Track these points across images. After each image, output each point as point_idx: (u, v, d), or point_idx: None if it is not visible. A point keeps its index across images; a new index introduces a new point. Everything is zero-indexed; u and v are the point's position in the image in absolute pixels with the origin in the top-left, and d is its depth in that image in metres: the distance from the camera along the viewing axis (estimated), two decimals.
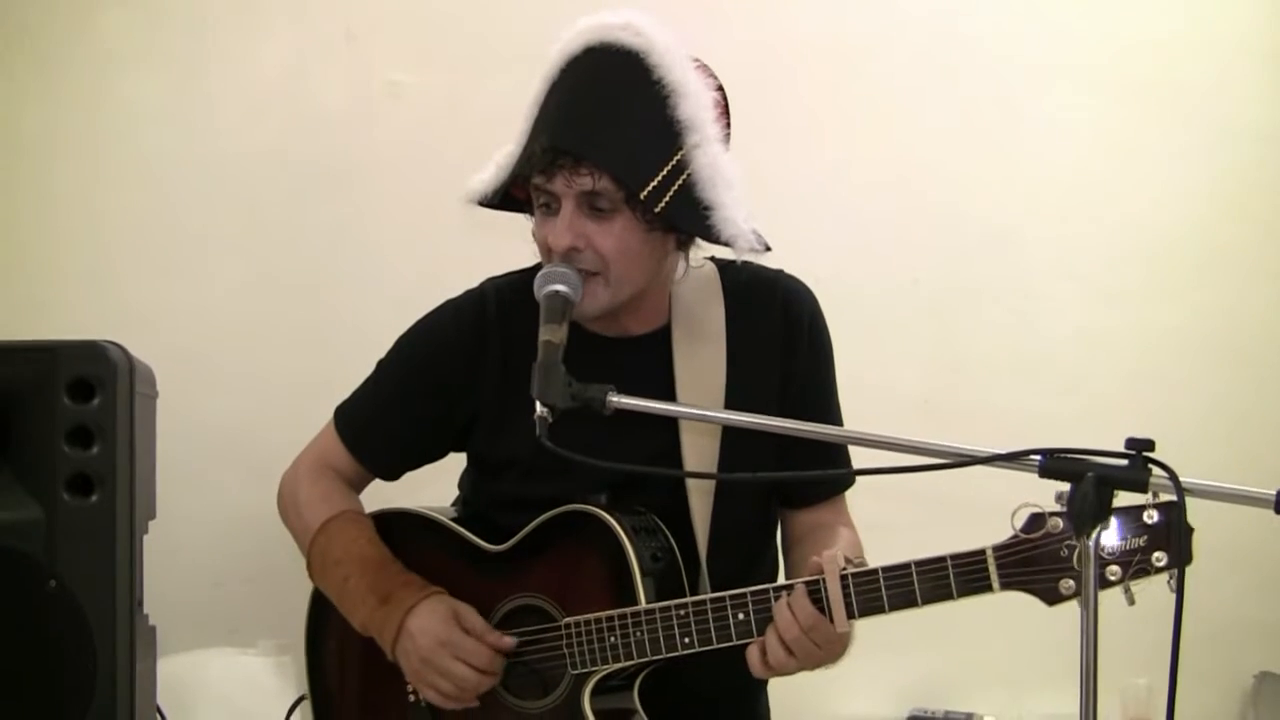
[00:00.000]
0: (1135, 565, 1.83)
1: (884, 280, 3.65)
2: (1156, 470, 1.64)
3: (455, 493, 2.58)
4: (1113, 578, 1.83)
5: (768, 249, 2.14)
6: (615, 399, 1.93)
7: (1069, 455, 1.67)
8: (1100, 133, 3.73)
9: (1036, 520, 1.91)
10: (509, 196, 2.24)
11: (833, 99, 3.68)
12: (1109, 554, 1.83)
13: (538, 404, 1.93)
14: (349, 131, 3.57)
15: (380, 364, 2.45)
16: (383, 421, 2.43)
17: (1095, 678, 1.64)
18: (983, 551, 1.94)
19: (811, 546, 2.29)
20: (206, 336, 3.46)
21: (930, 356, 3.67)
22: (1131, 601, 1.83)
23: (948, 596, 1.97)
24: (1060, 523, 1.88)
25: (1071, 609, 1.92)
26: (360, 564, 2.31)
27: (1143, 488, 1.64)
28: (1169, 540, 1.80)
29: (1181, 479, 1.62)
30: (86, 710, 2.09)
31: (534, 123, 2.15)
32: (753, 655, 2.07)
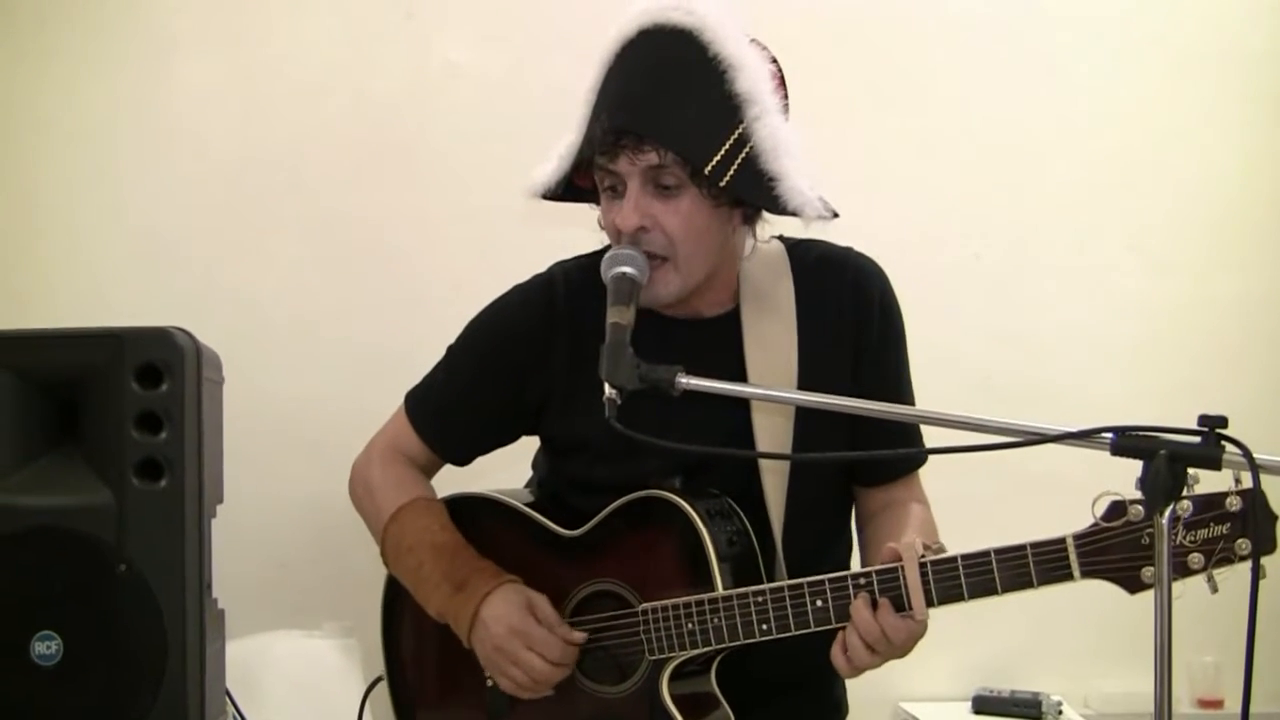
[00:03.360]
0: (1218, 553, 1.80)
1: (945, 256, 3.63)
2: (1230, 447, 1.62)
3: (527, 474, 2.58)
4: (1195, 566, 1.81)
5: (835, 215, 2.13)
6: (683, 380, 1.92)
7: (1141, 432, 1.66)
8: (1164, 103, 3.71)
9: (1117, 508, 1.88)
10: (572, 186, 2.23)
11: (891, 72, 3.66)
12: (1191, 542, 1.81)
13: (606, 386, 1.93)
14: (408, 111, 3.57)
15: (450, 349, 2.45)
16: (454, 408, 2.43)
17: (1169, 656, 1.63)
18: (1063, 540, 1.92)
19: (885, 523, 2.28)
20: (267, 319, 3.47)
21: (991, 332, 3.65)
22: (1214, 590, 1.80)
23: (1028, 585, 1.95)
24: (1141, 510, 1.85)
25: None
26: (434, 551, 2.32)
27: (1216, 465, 1.63)
28: (1250, 524, 1.78)
29: (1255, 455, 1.61)
30: (157, 692, 2.10)
31: (593, 108, 2.14)
32: (837, 656, 2.06)
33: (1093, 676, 3.57)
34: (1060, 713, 3.43)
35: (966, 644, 3.49)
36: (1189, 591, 1.76)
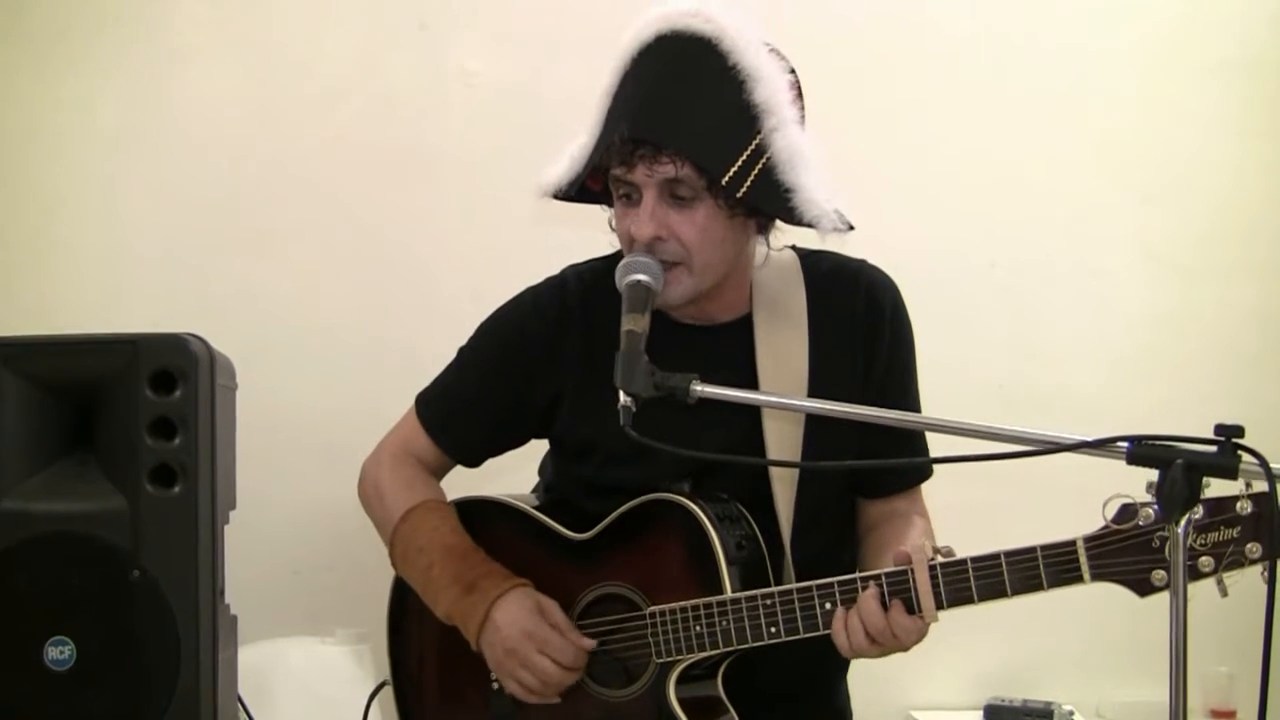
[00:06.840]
0: (1229, 556, 1.80)
1: (960, 264, 3.62)
2: (1246, 456, 1.62)
3: (535, 479, 2.58)
4: (1205, 569, 1.80)
5: (851, 228, 2.13)
6: (699, 388, 1.93)
7: (1157, 442, 1.66)
8: (1178, 110, 3.69)
9: (1128, 511, 1.88)
10: (583, 188, 2.23)
11: (906, 81, 3.65)
12: (1201, 545, 1.80)
13: (621, 394, 1.93)
14: (423, 121, 3.57)
15: (461, 351, 2.46)
16: (465, 409, 2.44)
17: (1185, 666, 1.63)
18: (1073, 542, 1.92)
19: (886, 533, 2.29)
20: (281, 325, 3.47)
21: (1006, 341, 3.64)
22: (1224, 594, 1.80)
23: (1038, 587, 1.95)
24: (1152, 513, 1.85)
25: (1151, 597, 1.90)
26: (444, 552, 2.32)
27: (1232, 474, 1.63)
28: (1263, 531, 1.77)
29: (1272, 465, 1.61)
30: (170, 698, 2.10)
31: (608, 113, 2.14)
32: (838, 633, 2.06)
33: (1105, 686, 3.55)
34: None
35: (978, 653, 3.48)
36: (1199, 598, 1.75)
